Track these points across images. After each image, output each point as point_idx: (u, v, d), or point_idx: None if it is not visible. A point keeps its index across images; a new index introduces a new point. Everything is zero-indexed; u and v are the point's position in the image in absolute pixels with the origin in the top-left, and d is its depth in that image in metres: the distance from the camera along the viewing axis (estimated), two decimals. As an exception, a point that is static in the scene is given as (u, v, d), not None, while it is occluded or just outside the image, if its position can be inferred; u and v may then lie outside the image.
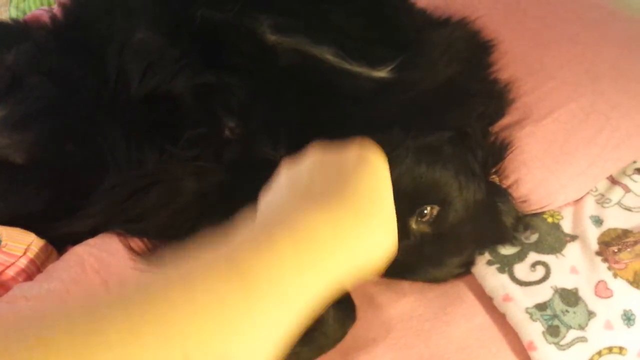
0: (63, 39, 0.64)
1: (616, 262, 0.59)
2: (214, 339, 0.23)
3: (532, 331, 0.54)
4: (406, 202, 0.54)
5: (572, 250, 0.61)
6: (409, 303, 0.57)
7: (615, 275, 0.58)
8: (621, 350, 0.54)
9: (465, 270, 0.60)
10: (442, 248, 0.57)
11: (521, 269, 0.59)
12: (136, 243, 0.58)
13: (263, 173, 0.58)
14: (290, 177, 0.35)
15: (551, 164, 0.63)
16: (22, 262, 0.58)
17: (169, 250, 0.25)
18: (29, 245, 0.59)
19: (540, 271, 0.59)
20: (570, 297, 0.57)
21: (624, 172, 0.68)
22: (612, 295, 0.56)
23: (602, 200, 0.66)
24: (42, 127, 0.58)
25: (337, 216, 0.31)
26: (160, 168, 0.56)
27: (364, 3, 0.63)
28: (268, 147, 0.58)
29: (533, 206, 0.63)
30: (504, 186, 0.63)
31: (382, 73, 0.57)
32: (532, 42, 0.71)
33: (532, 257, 0.60)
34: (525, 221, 0.63)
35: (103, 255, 0.57)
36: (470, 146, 0.61)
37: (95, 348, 0.20)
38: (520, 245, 0.61)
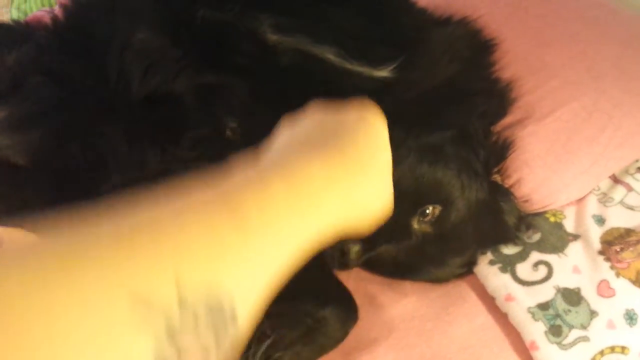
0: (64, 40, 0.64)
1: (619, 261, 0.59)
2: (205, 267, 0.23)
3: (535, 331, 0.54)
4: (408, 202, 0.54)
5: (574, 249, 0.60)
6: (410, 303, 0.57)
7: (617, 275, 0.58)
8: (623, 349, 0.54)
9: (467, 270, 0.60)
10: (444, 248, 0.57)
11: (523, 269, 0.59)
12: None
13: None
14: (290, 129, 0.35)
15: (553, 163, 0.63)
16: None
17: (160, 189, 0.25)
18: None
19: (542, 271, 0.59)
20: (572, 296, 0.56)
21: (626, 171, 0.68)
22: (614, 295, 0.56)
23: (604, 200, 0.65)
24: (43, 127, 0.58)
25: (332, 164, 0.32)
26: (161, 169, 0.56)
27: (364, 2, 0.63)
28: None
29: (535, 205, 0.63)
30: (506, 186, 0.63)
31: (383, 72, 0.57)
32: (534, 41, 0.71)
33: (535, 256, 0.60)
34: (528, 221, 0.63)
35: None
36: (472, 146, 0.61)
37: (85, 269, 0.20)
38: (522, 245, 0.61)
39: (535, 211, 0.64)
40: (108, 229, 0.22)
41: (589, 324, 0.54)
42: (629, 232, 0.62)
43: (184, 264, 0.22)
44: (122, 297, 0.20)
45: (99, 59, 0.60)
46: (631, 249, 0.60)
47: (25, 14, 1.01)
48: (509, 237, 0.61)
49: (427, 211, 0.54)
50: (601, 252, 0.60)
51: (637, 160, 0.68)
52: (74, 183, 0.56)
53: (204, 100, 0.58)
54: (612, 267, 0.58)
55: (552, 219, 0.64)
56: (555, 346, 0.53)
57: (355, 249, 0.53)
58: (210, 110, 0.58)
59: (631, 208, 0.64)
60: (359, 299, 0.55)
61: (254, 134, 0.58)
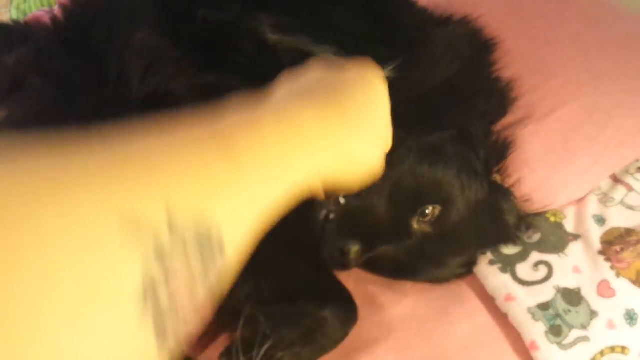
0: (64, 40, 0.64)
1: (619, 261, 0.59)
2: (195, 196, 0.23)
3: (535, 331, 0.54)
4: (408, 202, 0.54)
5: (574, 249, 0.60)
6: (410, 303, 0.57)
7: (618, 275, 0.58)
8: (624, 349, 0.53)
9: (467, 270, 0.60)
10: (444, 248, 0.57)
11: (523, 269, 0.59)
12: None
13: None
14: (289, 82, 0.35)
15: (554, 163, 0.63)
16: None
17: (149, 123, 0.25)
18: None
19: (542, 271, 0.59)
20: (572, 296, 0.56)
21: (627, 171, 0.67)
22: (614, 295, 0.56)
23: (605, 200, 0.65)
24: (43, 127, 0.58)
25: (327, 114, 0.32)
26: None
27: (364, 2, 0.63)
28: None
29: (535, 205, 0.63)
30: (506, 185, 0.63)
31: (383, 72, 0.57)
32: (534, 41, 0.71)
33: (535, 256, 0.60)
34: (528, 220, 0.63)
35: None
36: (472, 145, 0.61)
37: (76, 187, 0.20)
38: (522, 245, 0.61)
39: (536, 211, 0.63)
40: (100, 154, 0.22)
41: (589, 324, 0.54)
42: (629, 232, 0.62)
43: (175, 191, 0.22)
44: (112, 216, 0.20)
45: (98, 59, 0.60)
46: (631, 249, 0.60)
47: (25, 14, 1.00)
48: (509, 237, 0.61)
49: (427, 211, 0.54)
50: (601, 252, 0.60)
51: (637, 160, 0.68)
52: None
53: (204, 100, 0.58)
54: (612, 267, 0.58)
55: (552, 219, 0.64)
56: (555, 346, 0.53)
57: (355, 249, 0.53)
58: (209, 110, 0.58)
59: (631, 208, 0.64)
60: (358, 300, 0.55)
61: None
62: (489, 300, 0.57)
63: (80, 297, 0.19)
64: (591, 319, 0.55)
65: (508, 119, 0.66)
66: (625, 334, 0.54)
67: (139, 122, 0.24)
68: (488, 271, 0.59)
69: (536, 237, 0.62)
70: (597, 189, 0.66)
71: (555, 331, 0.54)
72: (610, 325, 0.55)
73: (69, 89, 0.60)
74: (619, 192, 0.66)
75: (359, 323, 0.54)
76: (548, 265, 0.59)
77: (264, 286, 0.55)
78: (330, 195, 0.38)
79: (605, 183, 0.67)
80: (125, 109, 0.59)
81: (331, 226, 0.53)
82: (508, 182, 0.63)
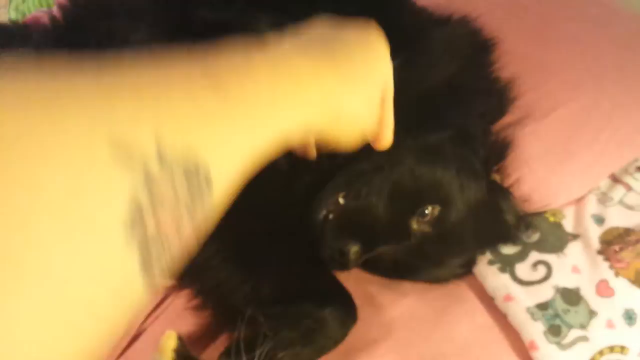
0: (62, 40, 0.64)
1: (618, 261, 0.59)
2: (184, 129, 0.23)
3: (534, 331, 0.54)
4: (407, 202, 0.54)
5: (573, 249, 0.60)
6: (410, 303, 0.57)
7: (616, 274, 0.58)
8: (623, 349, 0.54)
9: (466, 270, 0.60)
10: (444, 248, 0.57)
11: (522, 269, 0.59)
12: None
13: (263, 174, 0.59)
14: (289, 38, 0.35)
15: (553, 162, 0.63)
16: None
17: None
18: None
19: (541, 270, 0.59)
20: (571, 296, 0.56)
21: (625, 171, 0.68)
22: (613, 295, 0.56)
23: (603, 199, 0.65)
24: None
25: (322, 67, 0.32)
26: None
27: (364, 2, 0.63)
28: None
29: (535, 205, 0.63)
30: (506, 185, 0.63)
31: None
32: (534, 41, 0.71)
33: (534, 256, 0.60)
34: (527, 220, 0.63)
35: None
36: (471, 145, 0.61)
37: (67, 108, 0.20)
38: (521, 245, 0.61)
39: (535, 211, 0.63)
40: (94, 81, 0.22)
41: (588, 323, 0.55)
42: (628, 231, 0.62)
43: (164, 122, 0.22)
44: (102, 140, 0.20)
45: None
46: (630, 248, 0.60)
47: (24, 14, 1.00)
48: (509, 237, 0.61)
49: (426, 211, 0.54)
50: (600, 252, 0.60)
51: (636, 160, 0.68)
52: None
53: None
54: (611, 267, 0.58)
55: (551, 219, 0.64)
56: (554, 346, 0.53)
57: (354, 249, 0.53)
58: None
59: (630, 208, 0.64)
60: (358, 300, 0.55)
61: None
62: (488, 300, 0.58)
63: (68, 214, 0.19)
64: (590, 319, 0.55)
65: (507, 118, 0.66)
66: (625, 334, 0.54)
67: (133, 57, 0.25)
68: (487, 271, 0.59)
69: (535, 236, 0.62)
70: (596, 189, 0.66)
71: (555, 331, 0.54)
72: (610, 325, 0.55)
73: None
74: (618, 192, 0.66)
75: (358, 323, 0.54)
76: (547, 265, 0.59)
77: (264, 286, 0.56)
78: (321, 151, 0.38)
79: (605, 183, 0.67)
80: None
81: (331, 226, 0.53)
82: (507, 182, 0.63)
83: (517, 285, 0.57)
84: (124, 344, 0.53)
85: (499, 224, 0.60)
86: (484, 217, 0.58)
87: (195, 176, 0.23)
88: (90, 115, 0.21)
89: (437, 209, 0.55)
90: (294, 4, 0.62)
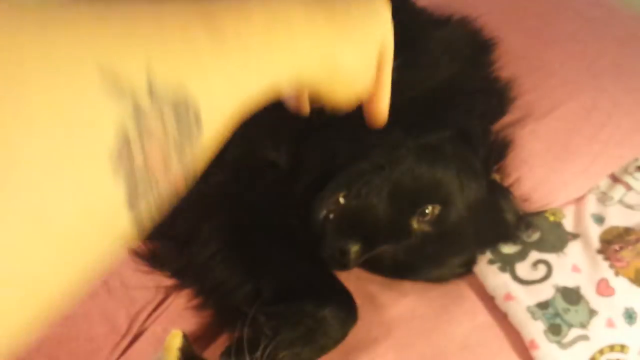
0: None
1: (618, 260, 0.59)
2: (176, 65, 0.23)
3: (534, 330, 0.54)
4: (407, 202, 0.54)
5: (573, 248, 0.61)
6: (410, 303, 0.57)
7: (617, 274, 0.58)
8: (623, 348, 0.54)
9: (466, 269, 0.60)
10: (444, 247, 0.57)
11: (523, 268, 0.59)
12: (137, 244, 0.58)
13: (264, 174, 0.59)
14: None
15: (553, 162, 0.63)
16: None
17: None
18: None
19: (541, 270, 0.59)
20: (572, 295, 0.57)
21: (625, 170, 0.68)
22: (613, 294, 0.56)
23: (603, 199, 0.65)
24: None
25: (317, 17, 0.32)
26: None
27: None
28: (269, 148, 0.58)
29: (535, 205, 0.63)
30: (506, 184, 0.63)
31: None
32: (533, 40, 0.71)
33: (534, 255, 0.60)
34: (527, 220, 0.63)
35: (104, 256, 0.57)
36: (471, 145, 0.61)
37: (59, 31, 0.20)
38: (521, 244, 0.61)
39: (535, 210, 0.64)
40: (84, 7, 0.22)
41: (588, 322, 0.55)
42: (628, 231, 0.62)
43: (156, 57, 0.22)
44: (92, 68, 0.20)
45: None
46: (630, 247, 0.60)
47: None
48: (509, 236, 0.61)
49: (427, 211, 0.54)
50: (600, 251, 0.60)
51: (636, 159, 0.68)
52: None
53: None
54: (611, 266, 0.58)
55: (551, 218, 0.64)
56: (554, 345, 0.53)
57: (354, 248, 0.53)
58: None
59: (630, 207, 0.64)
60: (358, 299, 0.55)
61: (253, 133, 0.59)
62: (488, 300, 0.58)
63: (55, 140, 0.18)
64: (590, 318, 0.55)
65: (507, 118, 0.66)
66: (625, 333, 0.54)
67: None
68: (487, 270, 0.59)
69: (535, 236, 0.62)
70: (596, 188, 0.66)
71: (555, 330, 0.54)
72: (610, 324, 0.55)
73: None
74: (618, 191, 0.66)
75: (358, 322, 0.54)
76: (547, 264, 0.59)
77: (265, 286, 0.56)
78: (316, 106, 0.37)
79: (604, 182, 0.67)
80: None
81: (331, 226, 0.53)
82: (507, 182, 0.63)
83: (518, 285, 0.58)
84: (125, 343, 0.53)
85: (499, 223, 0.60)
86: (484, 216, 0.58)
87: (185, 114, 0.23)
88: (81, 42, 0.20)
89: (438, 208, 0.55)
90: None
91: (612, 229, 0.62)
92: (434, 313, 0.56)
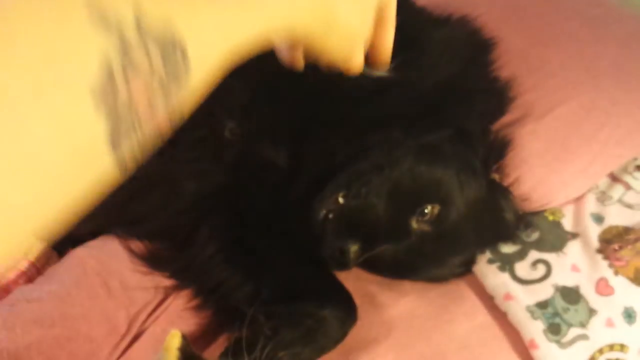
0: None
1: (617, 259, 0.59)
2: (166, 5, 0.23)
3: (534, 329, 0.54)
4: (407, 201, 0.54)
5: (573, 248, 0.61)
6: (410, 302, 0.57)
7: (616, 273, 0.58)
8: (622, 347, 0.54)
9: (466, 269, 0.60)
10: (443, 247, 0.57)
11: (522, 268, 0.59)
12: (136, 245, 0.58)
13: (263, 174, 0.59)
14: None
15: (552, 161, 0.63)
16: (23, 265, 0.58)
17: None
18: (29, 248, 0.59)
19: (541, 269, 0.59)
20: (571, 295, 0.57)
21: (625, 169, 0.68)
22: (613, 293, 0.57)
23: (603, 198, 0.65)
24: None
25: None
26: (160, 170, 0.56)
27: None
28: (268, 148, 0.58)
29: (534, 204, 0.63)
30: (505, 184, 0.63)
31: (382, 72, 0.57)
32: (532, 40, 0.71)
33: (533, 255, 0.60)
34: (526, 219, 0.63)
35: (103, 257, 0.57)
36: (471, 144, 0.61)
37: None
38: (521, 244, 0.61)
39: (534, 209, 0.64)
40: None
41: (587, 322, 0.55)
42: (627, 230, 0.62)
43: None
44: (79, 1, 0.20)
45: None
46: (630, 247, 0.60)
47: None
48: (508, 236, 0.61)
49: (426, 210, 0.54)
50: (600, 251, 0.60)
51: (635, 159, 0.68)
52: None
53: (201, 101, 0.58)
54: (610, 265, 0.58)
55: (550, 218, 0.64)
56: (554, 344, 0.53)
57: (354, 248, 0.53)
58: (209, 111, 0.58)
59: (630, 206, 0.64)
60: (358, 299, 0.55)
61: (252, 134, 0.59)
62: (488, 299, 0.58)
63: (39, 69, 0.18)
64: (590, 317, 0.55)
65: (506, 118, 0.66)
66: (624, 332, 0.54)
67: None
68: (487, 270, 0.59)
69: (535, 235, 0.62)
70: (595, 188, 0.66)
71: (554, 329, 0.54)
72: (609, 323, 0.55)
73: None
74: (617, 191, 0.66)
75: (358, 322, 0.54)
76: (547, 263, 0.59)
77: (264, 286, 0.56)
78: (310, 60, 0.37)
79: (604, 181, 0.67)
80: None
81: (331, 226, 0.53)
82: (506, 181, 0.63)
83: (517, 284, 0.58)
84: (125, 344, 0.53)
85: (498, 222, 0.60)
86: (484, 216, 0.59)
87: (172, 53, 0.22)
88: None
89: (437, 208, 0.55)
90: None
91: (612, 228, 0.62)
92: (434, 313, 0.56)
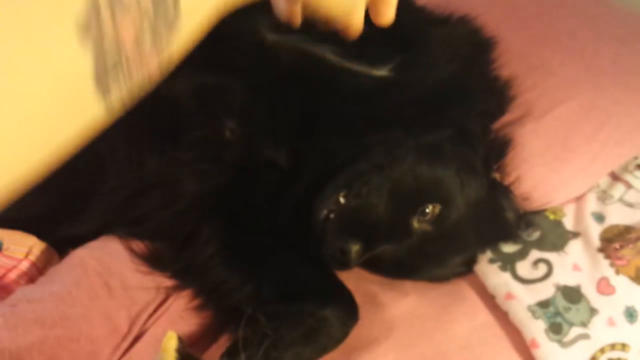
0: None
1: (618, 258, 0.59)
2: None
3: (535, 329, 0.54)
4: (408, 201, 0.54)
5: (574, 247, 0.61)
6: (411, 302, 0.57)
7: (617, 272, 0.58)
8: (624, 346, 0.54)
9: (467, 268, 0.60)
10: (444, 246, 0.57)
11: (523, 267, 0.59)
12: (137, 245, 0.58)
13: (264, 174, 0.59)
14: None
15: (552, 161, 0.63)
16: (24, 265, 0.58)
17: None
18: (30, 249, 0.59)
19: (542, 269, 0.59)
20: (572, 294, 0.57)
21: (625, 168, 0.68)
22: (614, 292, 0.57)
23: (604, 197, 0.65)
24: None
25: None
26: (160, 170, 0.56)
27: (363, 1, 0.63)
28: (269, 148, 0.58)
29: (535, 203, 0.63)
30: (506, 183, 0.63)
31: (382, 72, 0.57)
32: (533, 39, 0.71)
33: (534, 254, 0.60)
34: (527, 218, 0.63)
35: (104, 257, 0.57)
36: (471, 144, 0.61)
37: None
38: (522, 243, 0.61)
39: (535, 209, 0.64)
40: None
41: (589, 321, 0.55)
42: (628, 229, 0.62)
43: None
44: None
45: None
46: (631, 246, 0.60)
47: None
48: (509, 235, 0.61)
49: (427, 210, 0.54)
50: (601, 250, 0.60)
51: (636, 158, 0.68)
52: (74, 185, 0.56)
53: (202, 101, 0.58)
54: (611, 265, 0.58)
55: (551, 217, 0.64)
56: (555, 344, 0.53)
57: (355, 248, 0.53)
58: (209, 111, 0.58)
59: (630, 205, 0.64)
60: (359, 299, 0.55)
61: (253, 134, 0.59)
62: (489, 299, 0.58)
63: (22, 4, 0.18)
64: (591, 317, 0.55)
65: (507, 117, 0.66)
66: (626, 331, 0.54)
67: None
68: (488, 269, 0.59)
69: (536, 235, 0.62)
70: (596, 187, 0.66)
71: (556, 329, 0.54)
72: (611, 322, 0.55)
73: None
74: (618, 190, 0.66)
75: (359, 322, 0.54)
76: (548, 263, 0.59)
77: (265, 286, 0.56)
78: (309, 18, 0.36)
79: (604, 180, 0.67)
80: (124, 111, 0.59)
81: (331, 226, 0.53)
82: (507, 180, 0.63)
83: (518, 284, 0.58)
84: (126, 344, 0.53)
85: (499, 222, 0.60)
86: (485, 215, 0.59)
87: None
88: None
89: (438, 207, 0.55)
90: None
91: (613, 227, 0.62)
92: (435, 312, 0.56)
